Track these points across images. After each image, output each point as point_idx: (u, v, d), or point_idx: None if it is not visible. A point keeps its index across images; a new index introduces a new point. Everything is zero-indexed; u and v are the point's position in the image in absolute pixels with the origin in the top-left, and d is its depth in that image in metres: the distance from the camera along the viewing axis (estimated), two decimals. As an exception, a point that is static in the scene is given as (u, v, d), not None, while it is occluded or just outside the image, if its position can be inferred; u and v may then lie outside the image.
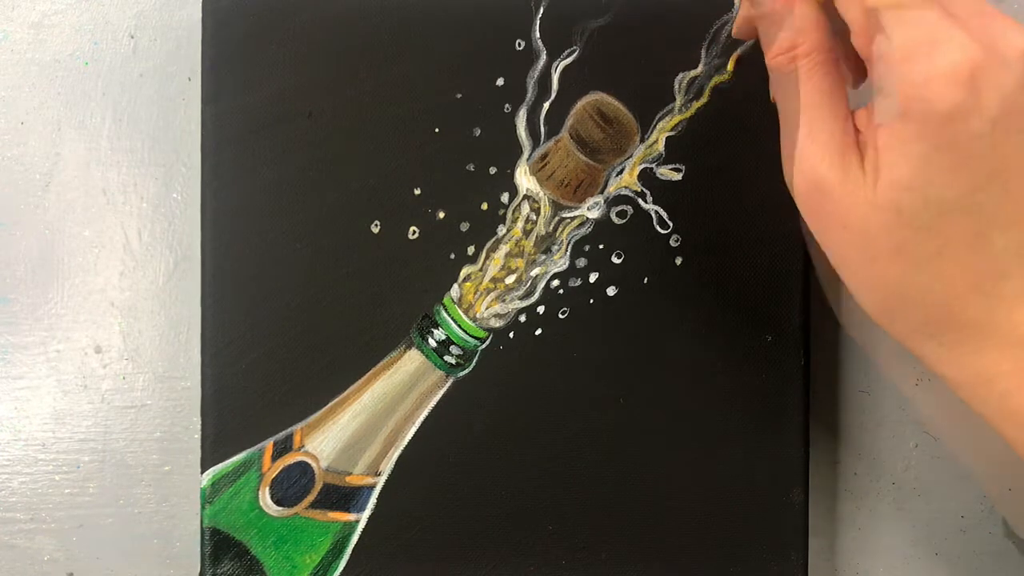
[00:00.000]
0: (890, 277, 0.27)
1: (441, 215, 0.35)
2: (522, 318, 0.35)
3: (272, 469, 0.35)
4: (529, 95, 0.34)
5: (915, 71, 0.24)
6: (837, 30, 0.27)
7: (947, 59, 0.24)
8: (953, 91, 0.24)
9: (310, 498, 0.35)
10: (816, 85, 0.27)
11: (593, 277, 0.35)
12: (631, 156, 0.35)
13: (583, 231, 0.35)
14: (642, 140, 0.34)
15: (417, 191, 0.35)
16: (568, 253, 0.35)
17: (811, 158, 0.26)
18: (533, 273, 0.35)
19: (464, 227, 0.35)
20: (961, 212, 0.25)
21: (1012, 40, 0.25)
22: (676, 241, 0.35)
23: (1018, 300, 0.26)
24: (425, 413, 0.35)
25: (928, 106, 0.24)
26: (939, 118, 0.24)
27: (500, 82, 0.34)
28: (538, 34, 0.34)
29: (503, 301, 0.35)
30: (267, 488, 0.35)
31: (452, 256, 0.35)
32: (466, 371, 0.35)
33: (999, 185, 0.25)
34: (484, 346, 0.35)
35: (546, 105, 0.34)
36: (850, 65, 0.29)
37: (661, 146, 0.34)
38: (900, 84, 0.24)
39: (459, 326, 0.35)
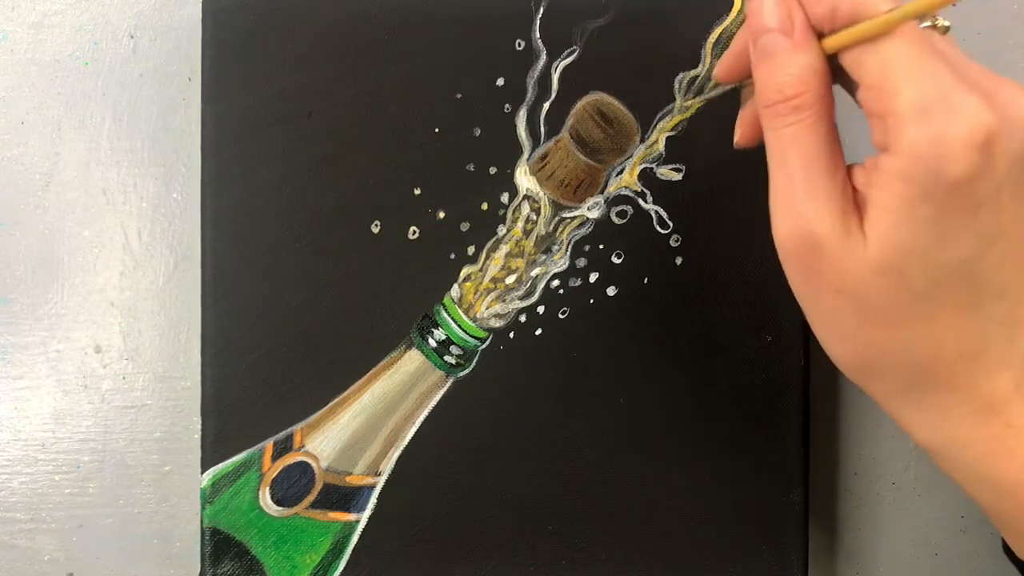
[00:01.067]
0: (876, 341, 0.26)
1: (441, 215, 0.35)
2: (522, 318, 0.35)
3: (272, 469, 0.35)
4: (529, 95, 0.34)
5: (928, 130, 0.23)
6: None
7: (965, 123, 0.23)
8: (968, 155, 0.23)
9: (310, 498, 0.35)
10: (818, 138, 0.25)
11: (593, 277, 0.35)
12: (631, 156, 0.35)
13: (583, 231, 0.35)
14: (642, 140, 0.34)
15: (417, 191, 0.35)
16: (568, 253, 0.35)
17: (809, 216, 0.25)
18: (533, 273, 0.35)
19: (464, 227, 0.35)
20: (960, 278, 0.25)
21: (1022, 105, 0.24)
22: (676, 241, 0.35)
23: (999, 368, 0.26)
24: (425, 413, 0.35)
25: (940, 168, 0.23)
26: (950, 182, 0.24)
27: (500, 82, 0.34)
28: (538, 34, 0.34)
29: (503, 301, 0.35)
30: (267, 488, 0.35)
31: (452, 256, 0.35)
32: (466, 371, 0.35)
33: (998, 252, 0.25)
34: (484, 346, 0.35)
35: (546, 105, 0.34)
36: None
37: (661, 146, 0.34)
38: (912, 143, 0.24)
39: (459, 326, 0.35)
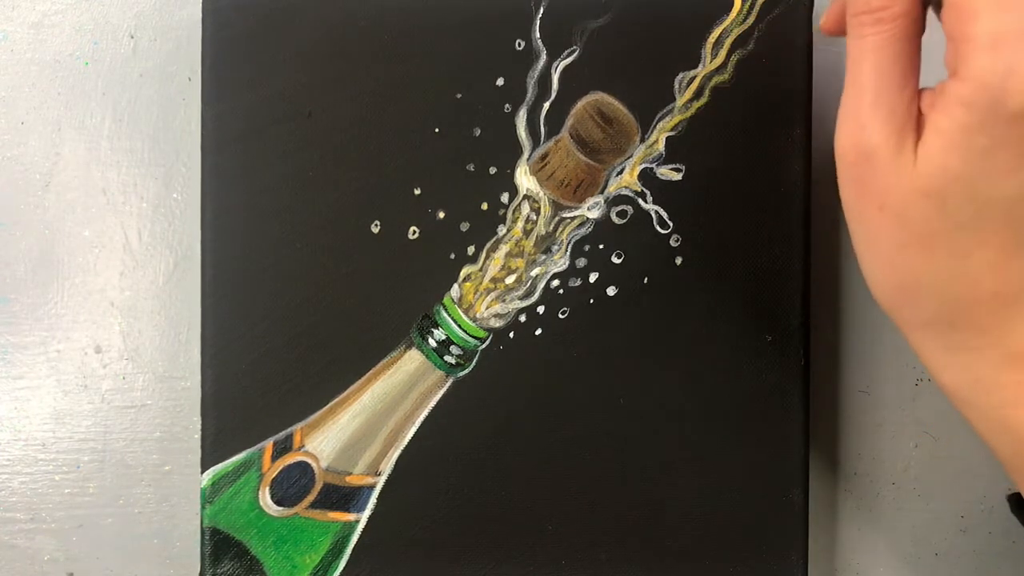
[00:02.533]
0: (913, 266, 0.26)
1: (441, 215, 0.35)
2: (522, 318, 0.35)
3: (272, 469, 0.35)
4: (529, 95, 0.34)
5: (999, 60, 0.23)
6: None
7: None
8: None
9: (310, 498, 0.35)
10: (894, 53, 0.25)
11: (593, 277, 0.35)
12: (631, 156, 0.35)
13: (583, 231, 0.35)
14: (642, 140, 0.34)
15: (417, 191, 0.35)
16: (568, 253, 0.35)
17: (870, 127, 0.25)
18: (533, 273, 0.35)
19: (464, 227, 0.35)
20: (1003, 217, 0.25)
21: None
22: (676, 241, 0.35)
23: None
24: (425, 413, 0.35)
25: (1003, 100, 0.23)
26: (1010, 115, 0.23)
27: (500, 82, 0.34)
28: (538, 34, 0.34)
29: (503, 301, 0.35)
30: (267, 488, 0.35)
31: (452, 256, 0.35)
32: (466, 371, 0.35)
33: None
34: (484, 346, 0.35)
35: (546, 105, 0.34)
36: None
37: (661, 146, 0.34)
38: (980, 70, 0.23)
39: (459, 326, 0.35)
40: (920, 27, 0.26)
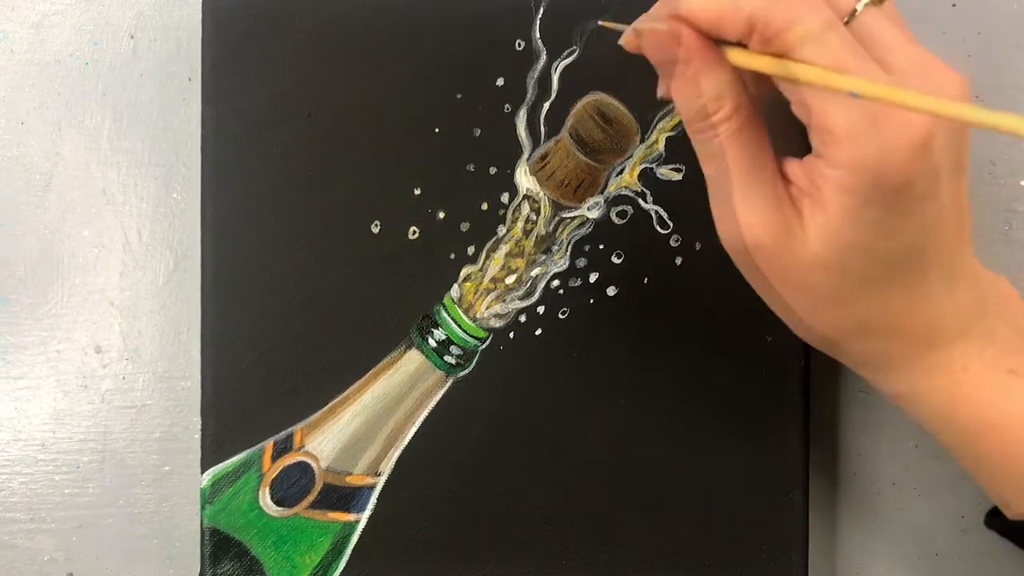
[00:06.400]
0: (829, 321, 0.27)
1: (441, 215, 0.35)
2: (522, 318, 0.35)
3: (272, 469, 0.35)
4: (529, 95, 0.34)
5: (866, 147, 0.23)
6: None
7: (901, 133, 0.23)
8: (910, 162, 0.24)
9: (310, 498, 0.35)
10: (741, 149, 0.26)
11: (593, 277, 0.35)
12: (631, 156, 0.35)
13: (583, 231, 0.35)
14: (642, 140, 0.34)
15: (417, 191, 0.35)
16: (568, 253, 0.35)
17: (747, 223, 0.26)
18: (533, 273, 0.35)
19: (464, 227, 0.35)
20: (906, 260, 0.26)
21: (948, 88, 0.24)
22: (676, 241, 0.35)
23: (947, 320, 0.27)
24: (425, 413, 0.35)
25: (881, 180, 0.24)
26: (892, 188, 0.24)
27: (500, 82, 0.34)
28: (538, 34, 0.34)
29: (503, 301, 0.35)
30: (267, 488, 0.35)
31: (452, 256, 0.35)
32: (466, 371, 0.35)
33: (938, 228, 0.25)
34: (484, 346, 0.35)
35: (546, 105, 0.34)
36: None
37: (661, 146, 0.34)
38: (852, 159, 0.24)
39: (459, 326, 0.35)
40: (757, 109, 0.26)
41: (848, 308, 0.27)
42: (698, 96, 0.25)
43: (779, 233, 0.25)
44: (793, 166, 0.26)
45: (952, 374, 0.27)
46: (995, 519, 0.32)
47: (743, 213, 0.26)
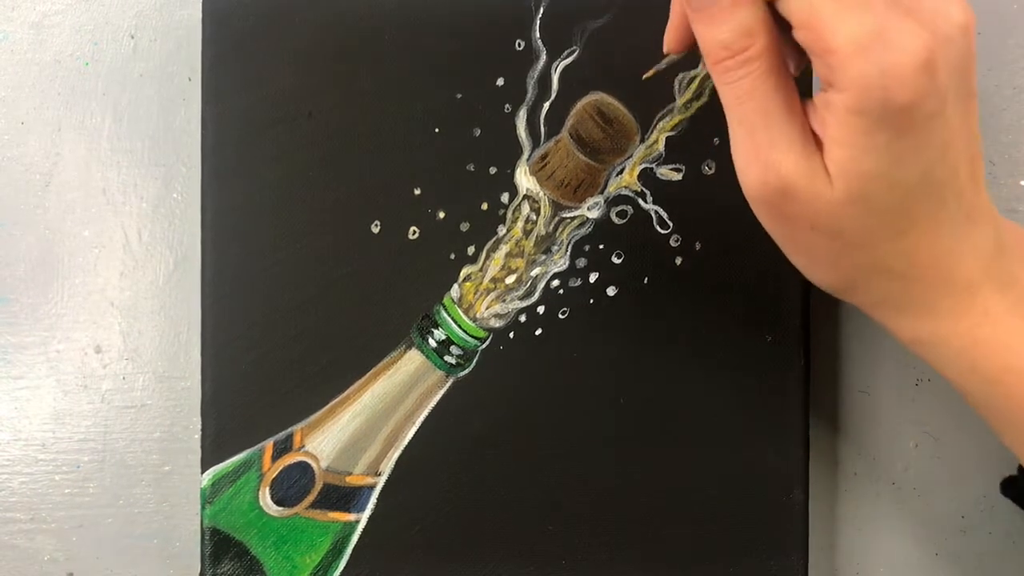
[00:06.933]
0: (856, 263, 0.27)
1: (441, 215, 0.35)
2: (522, 318, 0.35)
3: (272, 469, 0.35)
4: (529, 95, 0.34)
5: (870, 64, 0.24)
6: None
7: (904, 50, 0.24)
8: (913, 81, 0.24)
9: (310, 498, 0.35)
10: (772, 88, 0.26)
11: (593, 277, 0.35)
12: (631, 156, 0.35)
13: (583, 231, 0.35)
14: (642, 140, 0.34)
15: (417, 191, 0.35)
16: (568, 253, 0.35)
17: (776, 163, 0.26)
18: (533, 273, 0.35)
19: (464, 227, 0.35)
20: (923, 190, 0.26)
21: (953, 17, 0.25)
22: (676, 241, 0.35)
23: (970, 259, 0.27)
24: (425, 413, 0.35)
25: (888, 98, 0.24)
26: (900, 107, 0.24)
27: (500, 82, 0.34)
28: (538, 34, 0.34)
29: (503, 301, 0.35)
30: (267, 488, 0.35)
31: (452, 256, 0.35)
32: (466, 371, 0.35)
33: (952, 156, 0.26)
34: (484, 346, 0.35)
35: (546, 105, 0.34)
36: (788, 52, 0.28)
37: (661, 146, 0.34)
38: (857, 78, 0.24)
39: (459, 326, 0.35)
40: (783, 52, 0.26)
41: (873, 247, 0.26)
42: (730, 30, 0.25)
43: (809, 175, 0.25)
44: (809, 107, 0.26)
45: (973, 318, 0.27)
46: (1011, 487, 0.32)
47: (771, 156, 0.26)
